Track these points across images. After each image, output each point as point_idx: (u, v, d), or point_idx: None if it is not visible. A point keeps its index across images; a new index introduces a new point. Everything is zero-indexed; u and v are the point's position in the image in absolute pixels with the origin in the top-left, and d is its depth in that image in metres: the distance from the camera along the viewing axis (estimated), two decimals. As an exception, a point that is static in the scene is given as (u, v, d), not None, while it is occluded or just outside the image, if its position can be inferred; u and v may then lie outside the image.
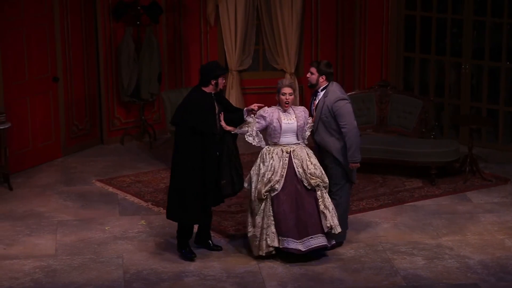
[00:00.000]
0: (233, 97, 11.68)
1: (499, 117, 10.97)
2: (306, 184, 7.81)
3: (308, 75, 8.06)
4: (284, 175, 7.81)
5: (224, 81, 7.82)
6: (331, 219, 7.81)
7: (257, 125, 7.94)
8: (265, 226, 7.83)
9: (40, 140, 10.48)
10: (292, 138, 7.90)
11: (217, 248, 8.13)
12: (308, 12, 11.73)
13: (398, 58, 11.49)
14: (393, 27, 11.43)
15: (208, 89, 7.78)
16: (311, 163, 7.86)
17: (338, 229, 7.85)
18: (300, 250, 7.79)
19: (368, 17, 11.55)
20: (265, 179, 7.82)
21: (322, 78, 8.03)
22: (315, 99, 8.10)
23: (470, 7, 10.92)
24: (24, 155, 10.30)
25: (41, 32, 10.32)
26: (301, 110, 8.00)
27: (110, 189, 9.79)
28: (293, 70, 11.74)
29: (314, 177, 7.80)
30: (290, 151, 7.86)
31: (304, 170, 7.82)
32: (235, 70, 11.70)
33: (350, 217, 8.91)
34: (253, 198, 7.91)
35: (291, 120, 7.89)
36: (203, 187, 7.76)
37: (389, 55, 11.53)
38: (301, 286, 7.50)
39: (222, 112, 7.85)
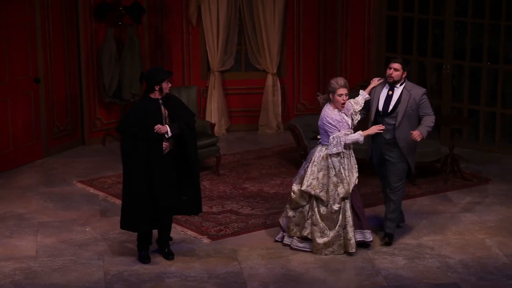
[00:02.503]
0: (215, 98, 11.68)
1: (480, 118, 11.02)
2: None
3: (392, 71, 8.13)
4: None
5: (169, 85, 7.72)
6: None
7: (346, 131, 7.89)
8: (346, 223, 7.93)
9: (21, 141, 10.43)
10: None
11: (169, 257, 7.98)
12: (290, 13, 11.74)
13: (380, 59, 11.52)
14: (375, 28, 11.46)
15: (154, 95, 7.71)
16: (355, 163, 8.11)
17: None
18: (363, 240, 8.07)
19: (350, 17, 11.58)
20: (347, 178, 7.89)
21: (404, 74, 8.19)
22: (391, 94, 8.15)
23: (452, 8, 10.96)
24: (5, 156, 10.25)
25: (22, 33, 10.27)
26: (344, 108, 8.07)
27: (92, 190, 9.76)
28: (275, 71, 11.74)
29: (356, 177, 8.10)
30: (352, 147, 8.04)
31: (354, 168, 8.05)
32: (217, 71, 11.69)
33: (332, 217, 8.95)
34: (338, 199, 7.87)
35: (349, 119, 7.98)
36: (151, 193, 7.68)
37: (371, 56, 11.56)
38: (283, 287, 7.50)
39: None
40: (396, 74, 8.12)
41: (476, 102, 11.10)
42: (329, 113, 7.90)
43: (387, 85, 8.20)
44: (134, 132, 7.65)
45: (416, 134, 8.01)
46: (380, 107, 8.15)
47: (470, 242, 8.31)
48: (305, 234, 8.04)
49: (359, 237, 8.05)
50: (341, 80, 7.90)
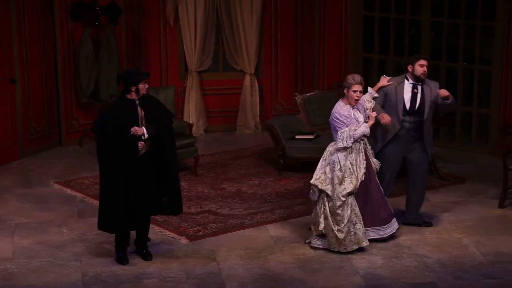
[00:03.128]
0: (193, 98, 11.66)
1: (456, 117, 11.09)
2: (376, 170, 8.19)
3: (425, 69, 8.29)
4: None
5: (146, 86, 7.68)
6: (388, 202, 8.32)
7: (353, 127, 8.03)
8: (356, 218, 8.04)
9: (-3, 142, 10.37)
10: None
11: (147, 258, 7.95)
12: (268, 13, 11.76)
13: (357, 59, 11.57)
14: (352, 28, 11.50)
15: (131, 96, 7.68)
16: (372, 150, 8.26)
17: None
18: (370, 238, 8.17)
19: (327, 18, 11.61)
20: (355, 173, 7.99)
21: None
22: (416, 91, 8.31)
23: (428, 8, 11.02)
24: (-19, 157, 10.19)
25: (-2, 33, 10.22)
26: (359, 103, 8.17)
27: (69, 191, 9.71)
28: (253, 71, 11.75)
29: (376, 162, 8.25)
30: (364, 141, 8.13)
31: (372, 156, 8.19)
32: (195, 71, 11.68)
33: (310, 217, 8.95)
34: (345, 193, 7.96)
35: (360, 115, 8.08)
36: (128, 194, 7.65)
37: (348, 56, 11.60)
38: (261, 287, 7.51)
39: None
40: (426, 70, 8.32)
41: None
42: (338, 108, 8.06)
43: (406, 83, 8.31)
44: (109, 133, 7.62)
45: (443, 91, 8.28)
46: (407, 106, 8.33)
47: (447, 241, 8.36)
48: (320, 229, 8.13)
49: (373, 235, 8.21)
50: (357, 77, 8.04)
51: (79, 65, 10.95)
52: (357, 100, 8.04)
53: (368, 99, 8.25)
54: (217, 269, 7.82)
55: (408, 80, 8.38)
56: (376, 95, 8.37)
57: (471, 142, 11.03)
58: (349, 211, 8.05)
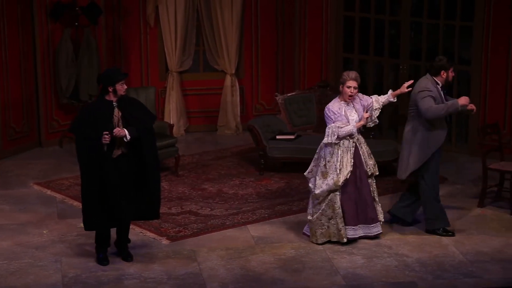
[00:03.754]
0: (174, 98, 11.64)
1: (436, 117, 11.13)
2: (368, 172, 8.20)
3: (454, 74, 8.46)
4: (352, 165, 8.12)
5: (124, 87, 7.62)
6: (380, 211, 8.36)
7: (339, 123, 8.07)
8: (335, 215, 8.11)
9: (-24, 143, 10.31)
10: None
11: (128, 259, 7.91)
12: (248, 14, 11.76)
13: (337, 59, 11.60)
14: (332, 28, 11.53)
15: (109, 97, 7.64)
16: (369, 152, 8.27)
17: (382, 218, 8.38)
18: (355, 237, 8.23)
19: (308, 18, 11.63)
20: (338, 170, 8.04)
21: None
22: (445, 95, 8.46)
23: (407, 9, 11.07)
24: (-40, 158, 10.11)
25: (-23, 33, 10.16)
26: (358, 102, 8.20)
27: (49, 192, 9.67)
28: (233, 71, 11.75)
29: (370, 166, 8.25)
30: (355, 141, 8.15)
31: (366, 157, 8.21)
32: (176, 71, 11.66)
33: (291, 217, 8.97)
34: (325, 188, 8.05)
35: (353, 115, 8.13)
36: (104, 194, 7.61)
37: (329, 56, 11.62)
38: (242, 287, 7.51)
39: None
40: None
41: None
42: (331, 104, 8.16)
43: (440, 87, 8.38)
44: (84, 133, 7.58)
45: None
46: None
47: (427, 241, 8.40)
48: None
49: (361, 233, 8.25)
50: (352, 73, 8.13)
51: (59, 65, 10.90)
52: (351, 96, 8.09)
53: (376, 100, 8.27)
54: (198, 269, 7.81)
55: (438, 84, 8.39)
56: (393, 99, 8.34)
57: (451, 142, 11.09)
58: (325, 206, 8.10)
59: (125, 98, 7.74)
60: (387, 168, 10.12)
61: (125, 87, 7.67)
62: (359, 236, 8.27)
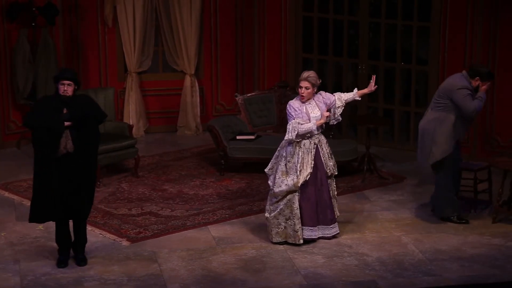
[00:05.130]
0: (133, 99, 11.58)
1: (395, 117, 11.24)
2: (328, 173, 8.20)
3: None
4: (313, 166, 8.10)
5: (64, 88, 7.55)
6: (336, 208, 8.39)
7: (300, 120, 8.06)
8: (292, 216, 8.11)
9: None
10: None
11: (81, 263, 7.83)
12: (207, 13, 11.74)
13: (297, 59, 11.63)
14: (291, 29, 11.56)
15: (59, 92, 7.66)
16: (330, 152, 8.28)
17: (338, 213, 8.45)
18: (313, 238, 8.25)
19: (267, 18, 11.65)
20: (298, 171, 8.02)
21: None
22: None
23: (366, 9, 11.15)
24: None
25: None
26: (320, 100, 8.18)
27: (6, 194, 9.56)
28: (193, 72, 11.72)
29: (330, 167, 8.25)
30: (316, 142, 8.13)
31: (327, 159, 8.21)
32: (135, 72, 11.60)
33: (252, 217, 8.98)
34: (284, 188, 8.03)
35: (315, 112, 8.12)
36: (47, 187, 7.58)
37: (288, 56, 11.65)
38: (203, 288, 7.51)
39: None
40: None
41: (391, 102, 11.31)
42: (293, 100, 8.18)
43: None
44: (34, 125, 7.56)
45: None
46: None
47: (387, 239, 8.47)
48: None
49: (319, 233, 8.27)
50: (304, 74, 8.15)
51: (16, 66, 10.78)
52: (303, 96, 8.10)
53: (339, 97, 8.28)
54: (159, 270, 7.78)
55: (470, 84, 8.59)
56: (358, 98, 8.35)
57: (409, 141, 11.19)
58: (283, 206, 8.13)
59: (77, 96, 7.69)
60: (346, 168, 10.18)
61: (66, 88, 7.56)
62: (318, 237, 8.31)
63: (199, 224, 8.80)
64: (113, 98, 10.47)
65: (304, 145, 8.12)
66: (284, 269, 7.83)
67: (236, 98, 10.85)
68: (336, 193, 8.42)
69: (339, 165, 9.92)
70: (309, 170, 8.12)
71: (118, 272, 7.74)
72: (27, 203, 9.26)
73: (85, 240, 7.94)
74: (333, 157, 8.34)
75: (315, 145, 8.18)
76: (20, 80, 10.81)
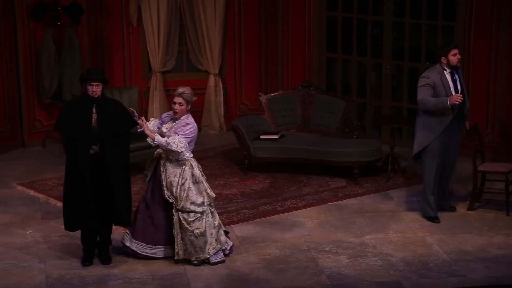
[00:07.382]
0: (157, 99, 11.62)
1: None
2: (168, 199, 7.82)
3: (458, 56, 8.60)
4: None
5: (93, 88, 7.55)
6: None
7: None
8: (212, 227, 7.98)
9: (-42, 144, 10.24)
10: None
11: (105, 262, 7.85)
12: (231, 13, 11.75)
13: (320, 59, 11.61)
14: (315, 28, 11.55)
15: (87, 95, 7.65)
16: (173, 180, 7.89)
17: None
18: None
19: (291, 18, 11.65)
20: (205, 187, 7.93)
21: None
22: (455, 79, 8.66)
23: (390, 9, 11.11)
24: None
25: (-42, 33, 10.09)
26: (180, 120, 7.82)
27: (32, 192, 9.62)
28: (217, 71, 11.73)
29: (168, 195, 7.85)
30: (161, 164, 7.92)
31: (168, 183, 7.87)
32: (159, 72, 11.64)
33: (275, 217, 8.98)
34: (203, 201, 7.87)
35: (167, 128, 7.84)
36: (78, 194, 7.60)
37: (312, 56, 11.64)
38: (227, 287, 7.51)
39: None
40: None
41: (416, 102, 11.22)
42: (166, 113, 8.06)
43: (445, 72, 8.57)
44: (65, 131, 7.61)
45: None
46: (453, 92, 8.57)
47: (411, 240, 8.43)
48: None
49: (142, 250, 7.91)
50: (180, 89, 7.86)
51: (42, 65, 10.85)
52: (176, 113, 7.76)
53: (152, 124, 7.90)
54: (183, 269, 7.80)
55: (445, 70, 8.61)
56: (157, 129, 7.86)
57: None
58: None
59: (107, 99, 7.72)
60: (370, 168, 10.15)
61: (95, 89, 7.58)
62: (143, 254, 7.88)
63: (223, 223, 8.79)
64: (137, 98, 10.51)
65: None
66: (308, 269, 7.82)
67: (260, 97, 10.85)
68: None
69: (363, 165, 9.93)
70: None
71: (143, 270, 7.77)
72: (52, 201, 9.34)
73: (109, 241, 7.98)
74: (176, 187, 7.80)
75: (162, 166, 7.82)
76: (46, 79, 10.89)
